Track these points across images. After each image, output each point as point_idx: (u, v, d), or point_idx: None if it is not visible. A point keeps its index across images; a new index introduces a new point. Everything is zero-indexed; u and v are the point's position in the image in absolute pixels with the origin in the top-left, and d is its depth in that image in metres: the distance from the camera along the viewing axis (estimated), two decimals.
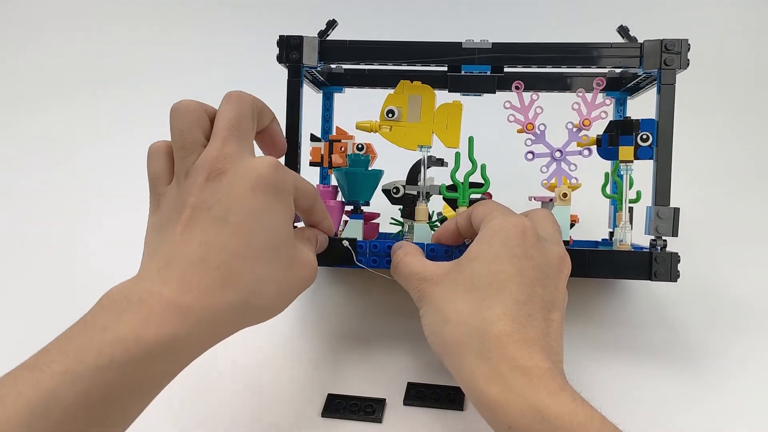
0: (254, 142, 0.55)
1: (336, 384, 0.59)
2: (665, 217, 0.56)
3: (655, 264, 0.56)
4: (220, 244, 0.42)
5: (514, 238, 0.47)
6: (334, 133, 0.71)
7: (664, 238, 0.56)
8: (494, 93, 0.60)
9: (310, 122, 0.73)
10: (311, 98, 0.73)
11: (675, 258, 0.56)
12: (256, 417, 0.55)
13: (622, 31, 0.62)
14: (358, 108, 0.74)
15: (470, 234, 0.54)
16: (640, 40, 0.59)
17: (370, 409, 0.55)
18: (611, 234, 0.73)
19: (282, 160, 0.58)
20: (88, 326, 0.37)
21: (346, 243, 0.58)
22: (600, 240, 0.72)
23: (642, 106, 0.68)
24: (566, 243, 0.59)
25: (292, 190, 0.47)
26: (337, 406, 0.56)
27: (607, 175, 0.70)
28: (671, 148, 0.56)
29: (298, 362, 0.62)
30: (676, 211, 0.56)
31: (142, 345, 0.37)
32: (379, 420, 0.54)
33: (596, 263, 0.57)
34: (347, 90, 0.74)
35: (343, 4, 0.94)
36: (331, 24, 0.63)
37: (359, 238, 0.61)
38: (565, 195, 0.59)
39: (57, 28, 1.05)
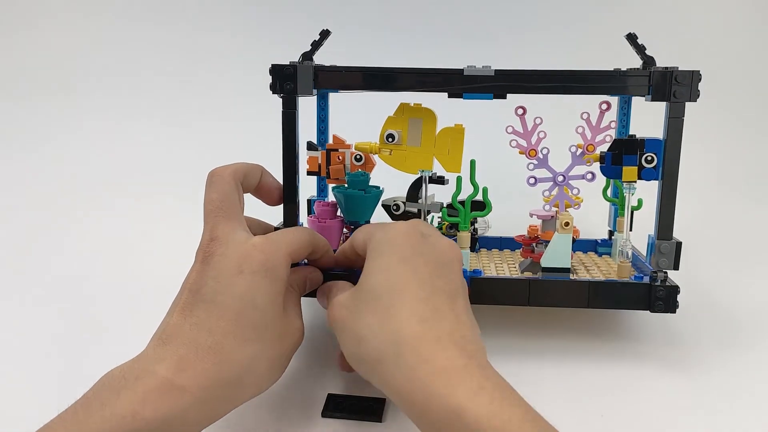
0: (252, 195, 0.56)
1: (336, 384, 0.60)
2: (667, 252, 0.55)
3: (655, 297, 0.56)
4: (209, 325, 0.44)
5: (399, 241, 0.48)
6: (330, 137, 0.69)
7: (664, 270, 0.57)
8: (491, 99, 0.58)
9: (306, 125, 0.71)
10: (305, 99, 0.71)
11: (675, 291, 0.56)
12: (256, 417, 0.56)
13: (630, 39, 0.59)
14: (354, 108, 0.72)
15: (360, 262, 0.52)
16: (648, 52, 0.57)
17: (370, 408, 0.55)
18: (610, 233, 0.73)
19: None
20: (89, 402, 0.39)
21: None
22: (599, 240, 0.72)
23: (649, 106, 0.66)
24: (567, 270, 0.59)
25: (284, 262, 0.48)
26: (337, 405, 0.56)
27: (608, 179, 0.70)
28: (676, 181, 0.55)
29: (298, 362, 0.63)
30: (678, 245, 0.56)
31: (138, 422, 0.38)
32: (379, 420, 0.55)
33: (596, 295, 0.57)
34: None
35: (340, 23, 0.90)
36: (325, 34, 0.60)
37: None
38: (567, 224, 0.59)
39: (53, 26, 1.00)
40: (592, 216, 0.75)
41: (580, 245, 0.73)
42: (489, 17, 0.92)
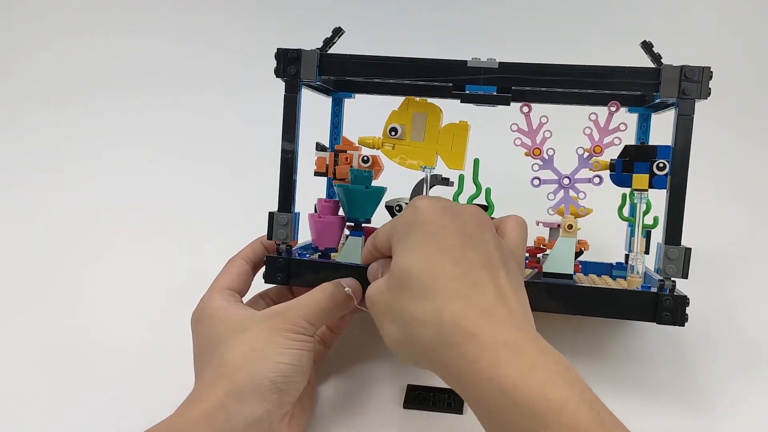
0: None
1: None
2: (674, 257, 0.52)
3: (661, 307, 0.52)
4: None
5: (421, 218, 0.44)
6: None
7: (673, 279, 0.53)
8: (508, 105, 0.57)
9: (321, 128, 0.71)
10: (321, 103, 0.71)
11: (683, 302, 0.52)
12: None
13: (645, 47, 0.58)
14: (371, 115, 0.71)
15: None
16: (664, 58, 0.55)
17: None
18: (627, 257, 0.69)
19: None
20: None
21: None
22: (614, 263, 0.69)
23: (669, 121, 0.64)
24: (570, 276, 0.56)
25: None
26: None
27: (624, 196, 0.67)
28: (686, 183, 0.52)
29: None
30: (687, 252, 0.52)
31: None
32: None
33: (599, 302, 0.54)
34: (360, 96, 0.71)
35: (349, 15, 0.92)
36: (337, 32, 0.60)
37: (358, 255, 0.59)
38: (570, 227, 0.56)
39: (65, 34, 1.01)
40: (608, 239, 0.71)
41: (594, 268, 0.69)
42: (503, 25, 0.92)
